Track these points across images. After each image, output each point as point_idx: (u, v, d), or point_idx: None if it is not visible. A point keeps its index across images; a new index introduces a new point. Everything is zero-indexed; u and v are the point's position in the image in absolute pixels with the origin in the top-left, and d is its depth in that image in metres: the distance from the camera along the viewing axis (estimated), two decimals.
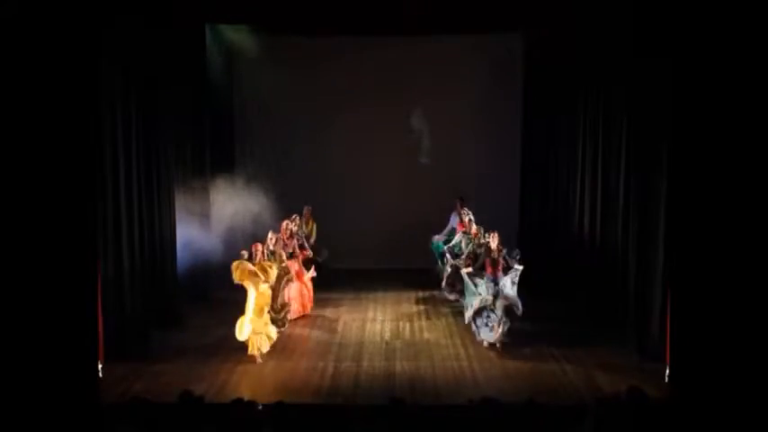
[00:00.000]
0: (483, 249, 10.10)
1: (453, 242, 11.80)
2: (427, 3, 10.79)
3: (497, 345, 9.57)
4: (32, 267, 7.12)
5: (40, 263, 7.14)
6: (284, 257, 10.63)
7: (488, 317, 9.69)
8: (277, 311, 10.06)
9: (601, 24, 10.42)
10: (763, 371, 7.03)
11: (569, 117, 11.81)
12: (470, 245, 10.67)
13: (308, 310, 11.49)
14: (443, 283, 11.80)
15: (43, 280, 7.14)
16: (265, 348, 9.35)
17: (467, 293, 10.27)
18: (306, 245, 11.87)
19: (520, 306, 9.56)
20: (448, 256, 11.52)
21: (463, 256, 10.71)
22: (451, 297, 11.73)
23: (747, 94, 7.21)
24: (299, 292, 11.29)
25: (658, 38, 8.64)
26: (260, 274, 9.32)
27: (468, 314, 10.02)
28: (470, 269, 10.17)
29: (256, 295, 9.28)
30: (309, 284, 11.66)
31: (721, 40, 7.24)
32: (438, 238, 12.62)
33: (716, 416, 6.84)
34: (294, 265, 11.15)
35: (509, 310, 9.58)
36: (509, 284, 9.62)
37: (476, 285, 9.93)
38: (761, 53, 7.13)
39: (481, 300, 9.70)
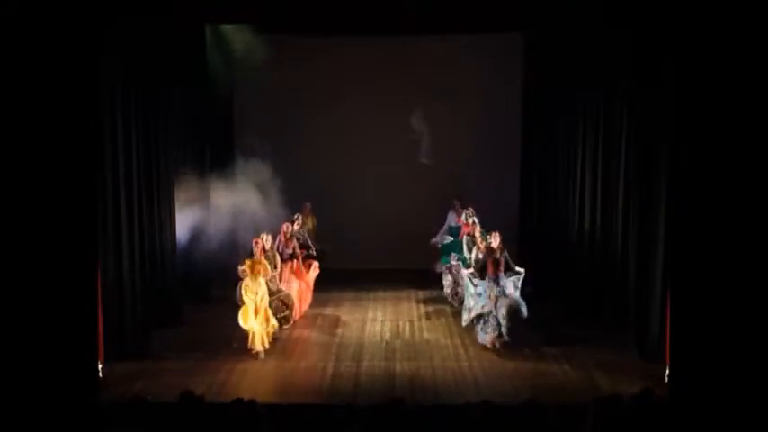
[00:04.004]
0: (484, 250, 10.09)
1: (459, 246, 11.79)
2: (427, 3, 10.77)
3: (497, 345, 9.55)
4: (33, 267, 7.12)
5: (40, 263, 7.13)
6: (278, 259, 10.64)
7: (486, 321, 9.68)
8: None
9: (601, 24, 10.42)
10: (763, 371, 7.03)
11: (569, 117, 11.80)
12: (474, 248, 10.68)
13: (301, 312, 11.44)
14: (447, 292, 11.90)
15: (43, 280, 7.13)
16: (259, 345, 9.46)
17: (466, 294, 10.27)
18: (309, 243, 11.91)
19: (524, 309, 9.57)
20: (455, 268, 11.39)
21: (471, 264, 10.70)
22: (455, 304, 11.74)
23: (749, 94, 7.20)
24: (298, 294, 11.27)
25: (659, 37, 8.64)
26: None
27: (466, 318, 10.02)
28: (471, 270, 10.18)
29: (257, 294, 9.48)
30: (310, 285, 11.66)
31: (723, 39, 7.24)
32: (437, 241, 12.65)
33: (716, 416, 6.84)
34: (292, 265, 11.17)
35: (512, 313, 9.55)
36: (511, 287, 9.65)
37: (475, 286, 9.94)
38: (763, 53, 7.13)
39: (482, 306, 9.69)
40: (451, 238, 12.49)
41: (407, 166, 14.54)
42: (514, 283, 9.71)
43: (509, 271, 9.82)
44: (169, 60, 10.64)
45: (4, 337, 7.04)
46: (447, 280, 11.96)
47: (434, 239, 12.79)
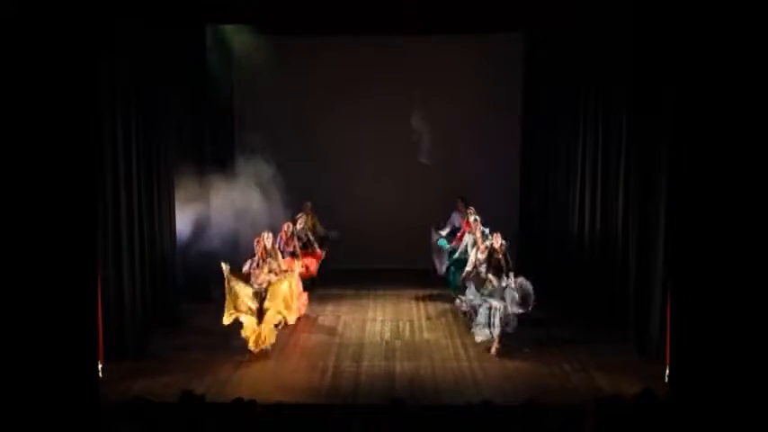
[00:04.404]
0: (484, 251, 10.04)
1: (461, 248, 11.66)
2: (427, 3, 10.78)
3: (495, 349, 9.53)
4: (32, 267, 7.11)
5: (40, 263, 7.13)
6: (280, 257, 10.63)
7: (490, 316, 9.66)
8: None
9: (601, 24, 10.43)
10: (763, 371, 7.03)
11: (569, 117, 11.81)
12: (474, 248, 10.65)
13: (300, 312, 11.38)
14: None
15: (43, 280, 7.13)
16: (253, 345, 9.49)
17: (469, 292, 10.24)
18: (313, 242, 11.93)
19: (514, 324, 9.55)
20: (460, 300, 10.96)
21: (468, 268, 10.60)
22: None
23: (749, 93, 7.20)
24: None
25: (659, 37, 8.64)
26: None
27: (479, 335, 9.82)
28: (468, 271, 10.19)
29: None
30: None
31: (723, 38, 7.24)
32: (442, 235, 12.54)
33: (716, 416, 6.84)
34: (293, 264, 11.16)
35: (504, 323, 9.56)
36: (509, 298, 9.59)
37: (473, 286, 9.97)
38: (762, 52, 7.13)
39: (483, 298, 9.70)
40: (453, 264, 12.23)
41: (407, 166, 14.53)
42: (514, 294, 9.64)
43: (511, 272, 9.79)
44: (169, 60, 10.65)
45: (4, 336, 7.04)
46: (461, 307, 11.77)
47: (443, 232, 12.60)
